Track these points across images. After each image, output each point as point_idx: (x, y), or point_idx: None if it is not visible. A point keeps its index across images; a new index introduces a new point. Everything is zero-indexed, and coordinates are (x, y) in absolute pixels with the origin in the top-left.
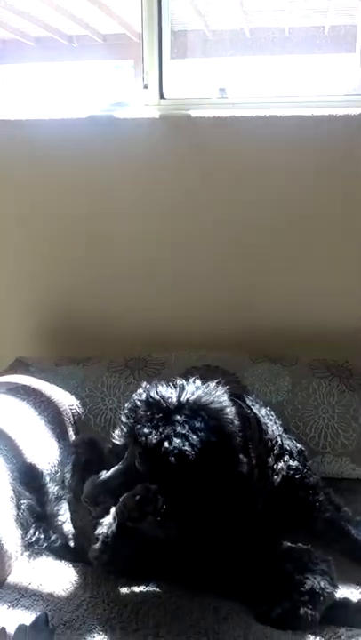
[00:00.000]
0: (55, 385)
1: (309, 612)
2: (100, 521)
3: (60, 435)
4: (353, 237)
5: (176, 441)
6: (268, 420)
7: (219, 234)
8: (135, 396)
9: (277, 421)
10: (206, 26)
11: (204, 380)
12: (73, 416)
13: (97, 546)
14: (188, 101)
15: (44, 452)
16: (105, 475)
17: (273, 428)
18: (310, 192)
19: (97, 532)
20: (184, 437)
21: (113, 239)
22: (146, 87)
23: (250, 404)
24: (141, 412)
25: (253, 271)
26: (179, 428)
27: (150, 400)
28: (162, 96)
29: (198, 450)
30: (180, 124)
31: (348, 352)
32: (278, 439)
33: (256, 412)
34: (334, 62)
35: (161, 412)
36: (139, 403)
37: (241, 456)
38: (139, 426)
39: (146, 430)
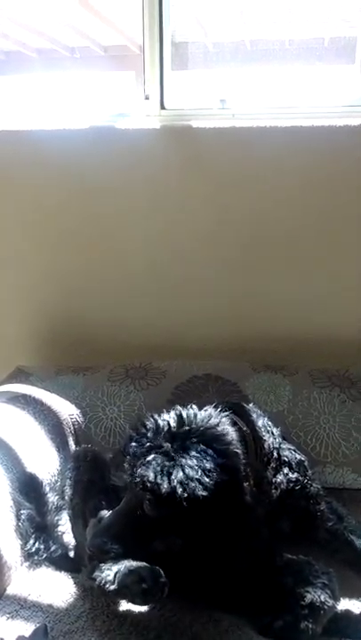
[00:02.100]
0: (55, 394)
1: (310, 625)
2: (101, 566)
3: (61, 444)
4: (354, 247)
5: (190, 485)
6: (265, 433)
7: (219, 244)
8: (132, 434)
9: (275, 432)
10: (207, 37)
11: (206, 389)
12: (73, 425)
13: (91, 583)
14: (188, 112)
15: (45, 462)
16: (106, 518)
17: (270, 440)
18: (311, 201)
19: (95, 574)
20: (197, 481)
21: (114, 249)
22: (147, 98)
23: (248, 413)
24: (148, 460)
25: (255, 280)
26: (191, 473)
27: (150, 441)
28: (163, 107)
29: (212, 491)
30: (181, 135)
31: (349, 361)
32: (275, 452)
33: (254, 423)
34: (334, 73)
35: (166, 456)
36: (138, 444)
37: (245, 485)
38: (145, 474)
39: (157, 479)
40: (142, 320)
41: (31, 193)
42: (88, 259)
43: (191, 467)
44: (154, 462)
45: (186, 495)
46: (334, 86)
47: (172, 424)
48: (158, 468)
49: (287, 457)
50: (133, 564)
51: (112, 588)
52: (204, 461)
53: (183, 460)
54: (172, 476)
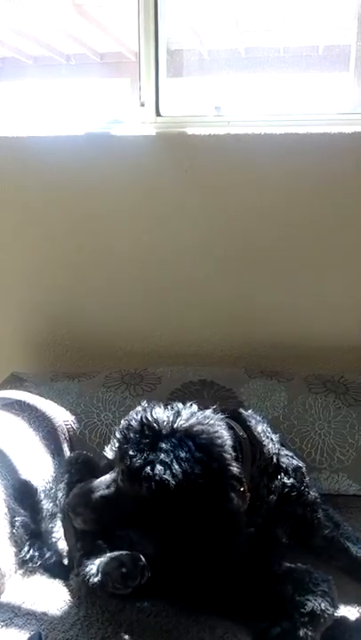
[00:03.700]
0: (50, 400)
1: (309, 633)
2: (85, 562)
3: (55, 451)
4: (349, 253)
5: (158, 468)
6: (264, 438)
7: (214, 250)
8: (132, 414)
9: (274, 438)
10: (202, 45)
11: (200, 395)
12: (68, 432)
13: (78, 580)
14: (184, 119)
15: (39, 469)
16: (93, 484)
17: (269, 446)
18: (306, 208)
19: (80, 569)
20: (167, 466)
21: (109, 255)
22: (142, 105)
23: (247, 419)
24: (131, 434)
25: (250, 286)
26: (163, 456)
27: (143, 422)
28: (158, 114)
29: (179, 480)
30: (177, 142)
31: (344, 367)
32: (274, 458)
33: (253, 429)
34: (328, 81)
35: (150, 437)
36: (132, 423)
37: (231, 492)
38: (126, 446)
39: (131, 452)
40: (137, 326)
41: (26, 199)
42: (82, 265)
43: (166, 451)
44: (134, 438)
45: (152, 475)
46: (329, 94)
47: (169, 417)
48: (135, 444)
49: (284, 463)
50: (115, 552)
51: (95, 580)
52: (179, 450)
53: (160, 444)
54: (145, 454)
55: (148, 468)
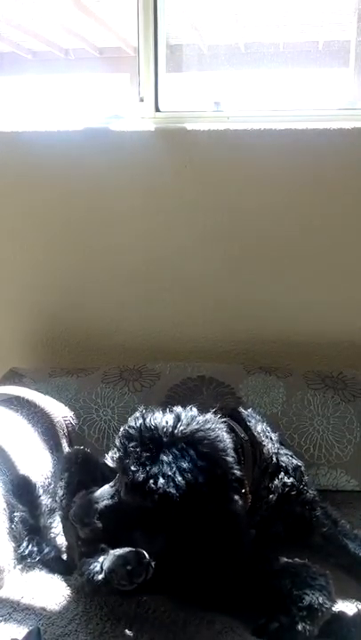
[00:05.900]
0: (49, 396)
1: (308, 627)
2: (88, 561)
3: (54, 446)
4: (348, 249)
5: (161, 481)
6: (264, 438)
7: (214, 245)
8: (130, 422)
9: (274, 437)
10: (202, 40)
11: (199, 391)
12: (67, 427)
13: (82, 579)
14: (183, 114)
15: (38, 464)
16: (94, 494)
17: (269, 446)
18: (305, 205)
19: (84, 568)
20: (170, 479)
21: (108, 251)
22: (142, 100)
23: (246, 419)
24: (131, 447)
25: (249, 282)
26: (165, 469)
27: (142, 431)
28: (157, 109)
29: (183, 492)
30: (176, 137)
31: (343, 363)
32: (274, 457)
33: (253, 430)
34: (328, 77)
35: (151, 448)
36: (132, 431)
37: (234, 495)
38: (127, 460)
39: (133, 467)
40: (136, 322)
41: (25, 194)
42: (82, 261)
43: (168, 463)
44: (134, 451)
45: (155, 489)
46: (328, 89)
47: (169, 423)
48: (136, 457)
49: (284, 462)
50: (119, 550)
51: (100, 577)
52: (182, 461)
53: (162, 455)
54: (147, 467)
55: (152, 481)
